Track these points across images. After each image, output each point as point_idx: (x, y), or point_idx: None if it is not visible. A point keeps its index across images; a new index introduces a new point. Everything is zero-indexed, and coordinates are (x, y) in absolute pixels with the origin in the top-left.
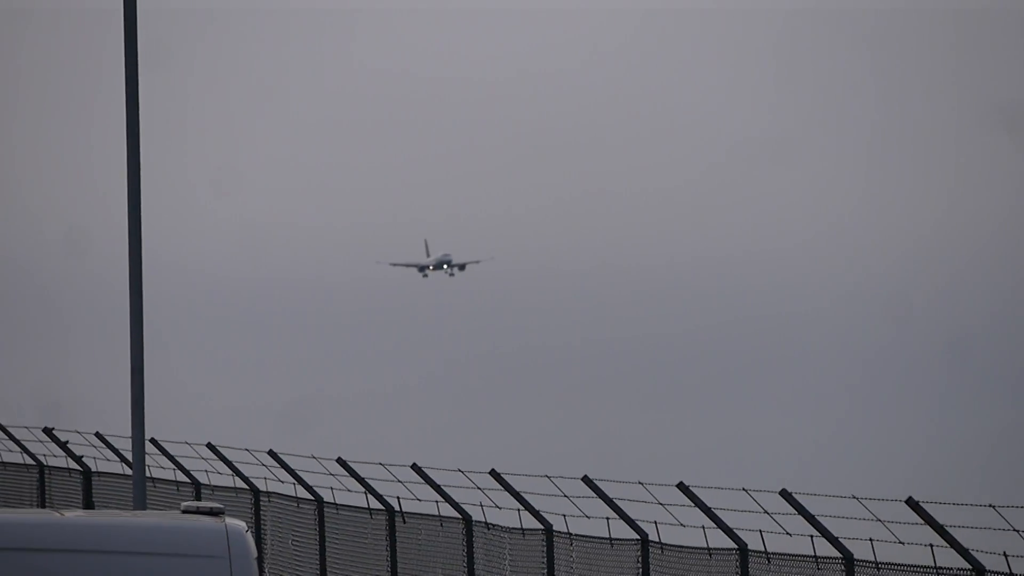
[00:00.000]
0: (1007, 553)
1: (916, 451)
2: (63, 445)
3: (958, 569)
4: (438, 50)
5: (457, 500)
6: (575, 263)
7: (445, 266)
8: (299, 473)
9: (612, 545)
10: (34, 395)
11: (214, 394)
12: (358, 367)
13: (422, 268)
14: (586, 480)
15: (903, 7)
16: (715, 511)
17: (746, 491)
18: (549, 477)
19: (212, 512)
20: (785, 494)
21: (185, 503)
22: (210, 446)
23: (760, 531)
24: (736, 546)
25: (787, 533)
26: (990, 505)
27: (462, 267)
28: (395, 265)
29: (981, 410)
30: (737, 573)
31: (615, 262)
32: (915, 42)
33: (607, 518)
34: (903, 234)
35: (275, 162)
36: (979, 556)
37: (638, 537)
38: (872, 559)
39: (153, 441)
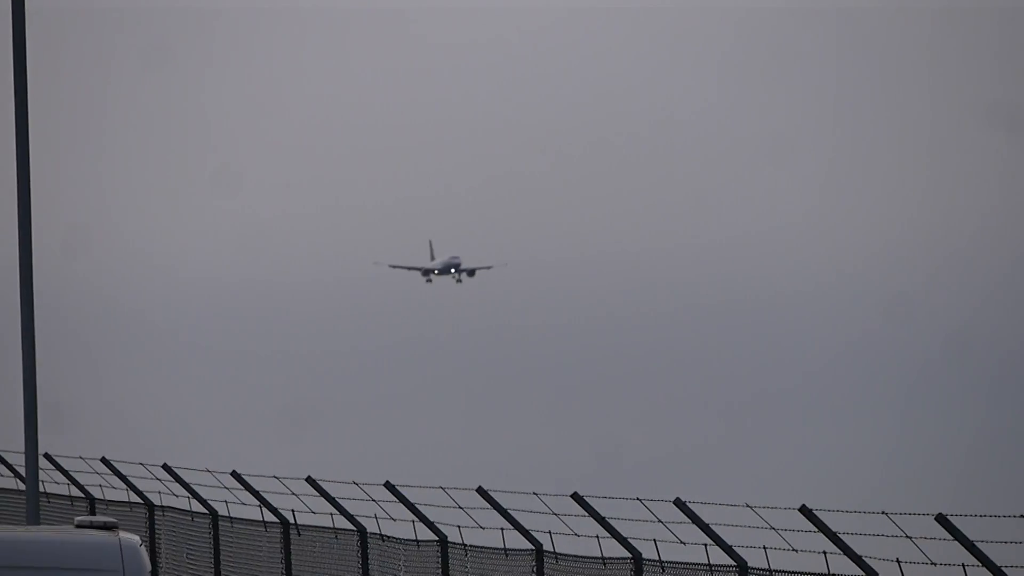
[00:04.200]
0: (900, 559)
1: (809, 458)
2: None
3: None
4: (444, 48)
5: (352, 512)
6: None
7: (452, 271)
8: (193, 487)
9: (507, 556)
10: None
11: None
12: (291, 379)
13: (426, 272)
14: (481, 491)
15: (903, 6)
16: (610, 521)
17: (640, 500)
18: (444, 489)
19: (106, 526)
20: (679, 503)
21: (79, 518)
22: (104, 461)
23: (654, 540)
24: (631, 555)
25: (681, 542)
26: (883, 512)
27: (471, 273)
28: (395, 267)
29: (873, 418)
30: None
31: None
32: (914, 41)
33: (502, 529)
34: (901, 233)
35: (276, 160)
36: (872, 563)
37: (533, 547)
38: (766, 567)
39: (47, 456)
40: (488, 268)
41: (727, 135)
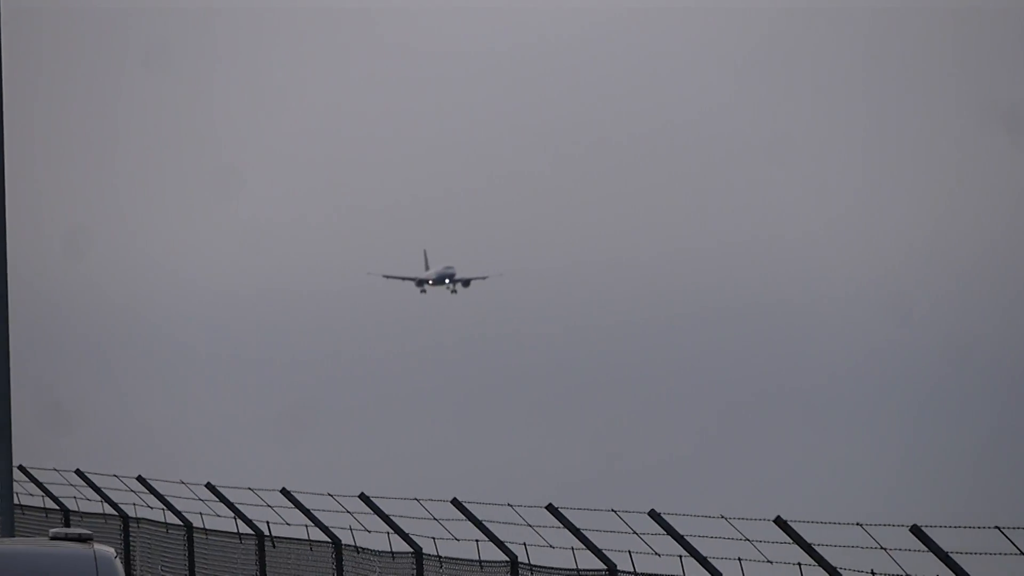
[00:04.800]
0: (874, 571)
1: (784, 470)
2: None
3: None
4: (444, 51)
5: (327, 524)
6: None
7: (447, 281)
8: (168, 499)
9: (482, 567)
10: None
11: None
12: (262, 390)
13: (420, 282)
14: (455, 503)
15: (902, 6)
16: (585, 532)
17: (615, 512)
18: (418, 500)
19: (80, 538)
20: (654, 515)
21: (53, 530)
22: (79, 472)
23: (629, 552)
24: (606, 567)
25: (656, 554)
26: (858, 523)
27: (466, 283)
28: (389, 277)
29: (848, 430)
30: None
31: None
32: (914, 42)
33: (477, 541)
34: (900, 235)
35: (269, 168)
36: (847, 574)
37: (508, 559)
38: None
39: (21, 468)
40: (483, 278)
41: (729, 140)
